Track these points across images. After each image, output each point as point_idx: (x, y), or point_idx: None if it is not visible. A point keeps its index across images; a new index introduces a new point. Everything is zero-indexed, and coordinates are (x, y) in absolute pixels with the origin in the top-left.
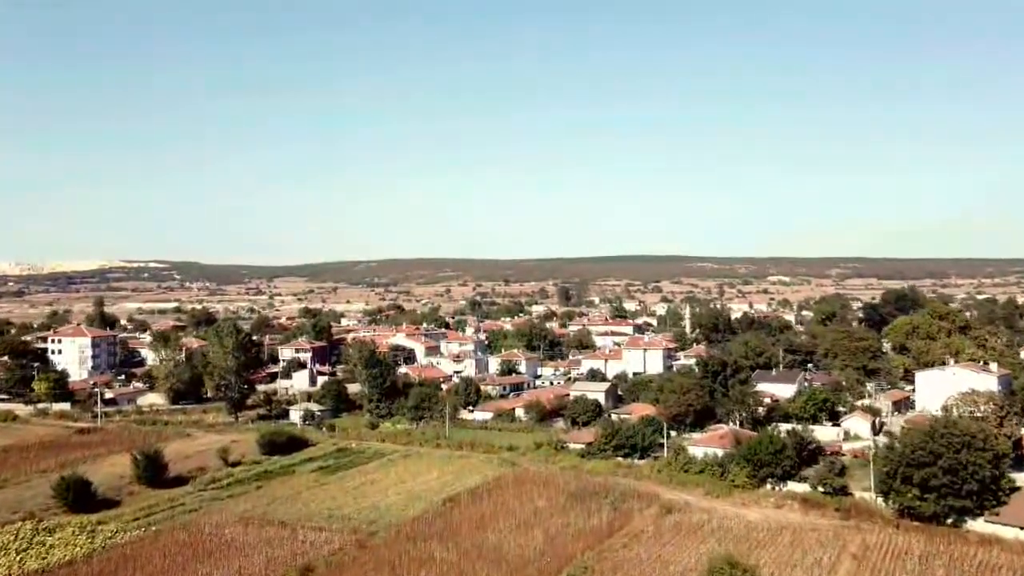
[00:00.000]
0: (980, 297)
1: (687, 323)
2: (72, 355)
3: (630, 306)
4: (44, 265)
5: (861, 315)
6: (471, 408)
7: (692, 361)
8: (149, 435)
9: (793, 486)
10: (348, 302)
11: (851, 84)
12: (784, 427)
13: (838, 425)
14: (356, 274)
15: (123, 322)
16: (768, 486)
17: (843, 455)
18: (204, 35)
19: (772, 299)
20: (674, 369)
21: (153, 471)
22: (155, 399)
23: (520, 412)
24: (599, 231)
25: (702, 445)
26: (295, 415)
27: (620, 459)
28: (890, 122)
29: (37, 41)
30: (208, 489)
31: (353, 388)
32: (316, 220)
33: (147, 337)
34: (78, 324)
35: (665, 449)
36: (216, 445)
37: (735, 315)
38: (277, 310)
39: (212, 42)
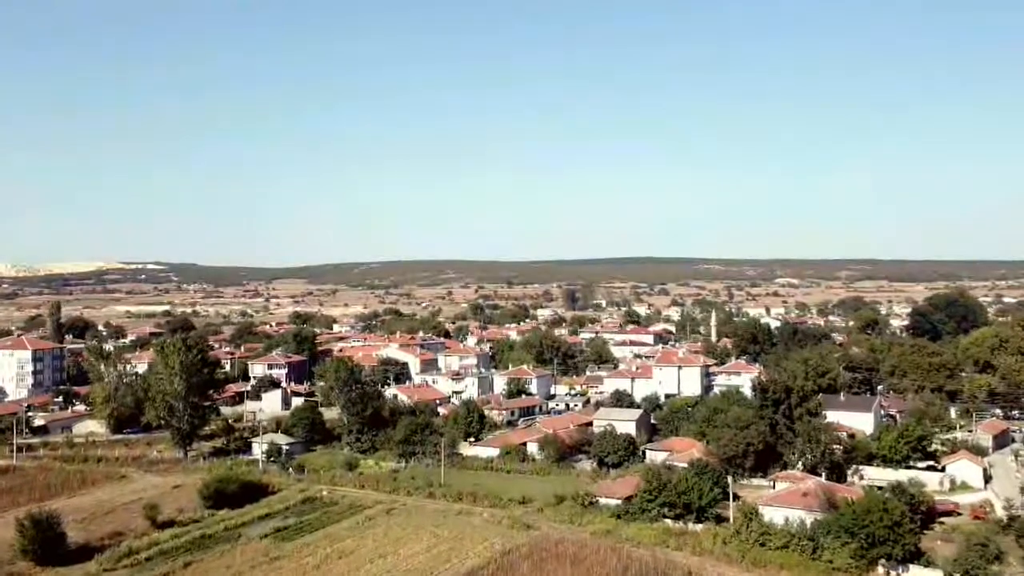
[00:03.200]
0: (1008, 301)
1: (712, 331)
2: (9, 371)
3: (640, 310)
4: (40, 267)
5: (907, 323)
6: (473, 440)
7: (735, 381)
8: (72, 477)
9: (920, 573)
10: (346, 305)
11: (859, 83)
12: (870, 472)
13: (939, 469)
14: (356, 276)
15: (100, 327)
16: (880, 569)
17: (958, 513)
18: (205, 33)
19: (785, 301)
20: (714, 391)
21: (45, 544)
22: (95, 427)
23: (533, 448)
24: (603, 232)
25: (780, 505)
26: (259, 449)
27: (670, 522)
28: (900, 122)
29: (33, 41)
30: (118, 568)
31: (332, 413)
32: (317, 221)
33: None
34: (19, 335)
35: (731, 509)
36: (152, 492)
37: (766, 320)
38: (271, 313)
39: (214, 41)
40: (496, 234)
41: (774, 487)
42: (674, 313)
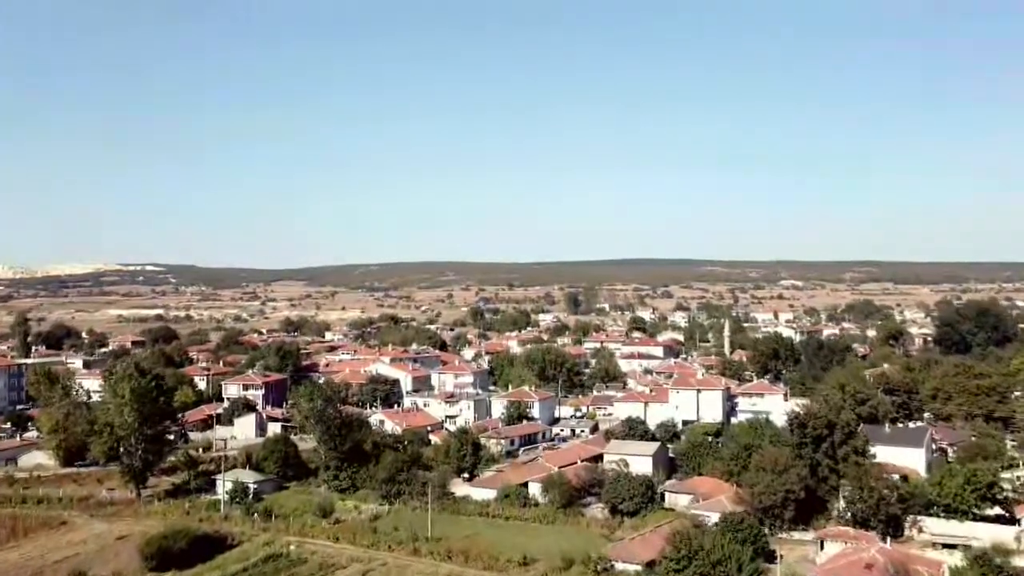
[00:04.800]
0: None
1: (726, 342)
2: None
3: (644, 314)
4: (38, 268)
5: (932, 333)
6: (467, 476)
7: (760, 405)
8: (3, 524)
9: None
10: (343, 309)
11: (861, 83)
12: (931, 525)
13: (1009, 519)
14: (356, 278)
15: (84, 334)
16: None
17: None
18: (202, 35)
19: (791, 305)
20: (737, 416)
21: None
22: (43, 459)
23: (535, 490)
24: (604, 234)
25: None
26: (223, 488)
27: None
28: (903, 122)
29: (32, 37)
30: None
31: (311, 442)
32: (317, 222)
33: (76, 361)
34: None
35: None
36: (92, 547)
37: (783, 331)
38: (266, 317)
39: (211, 43)
40: (497, 235)
41: (821, 547)
42: (680, 318)
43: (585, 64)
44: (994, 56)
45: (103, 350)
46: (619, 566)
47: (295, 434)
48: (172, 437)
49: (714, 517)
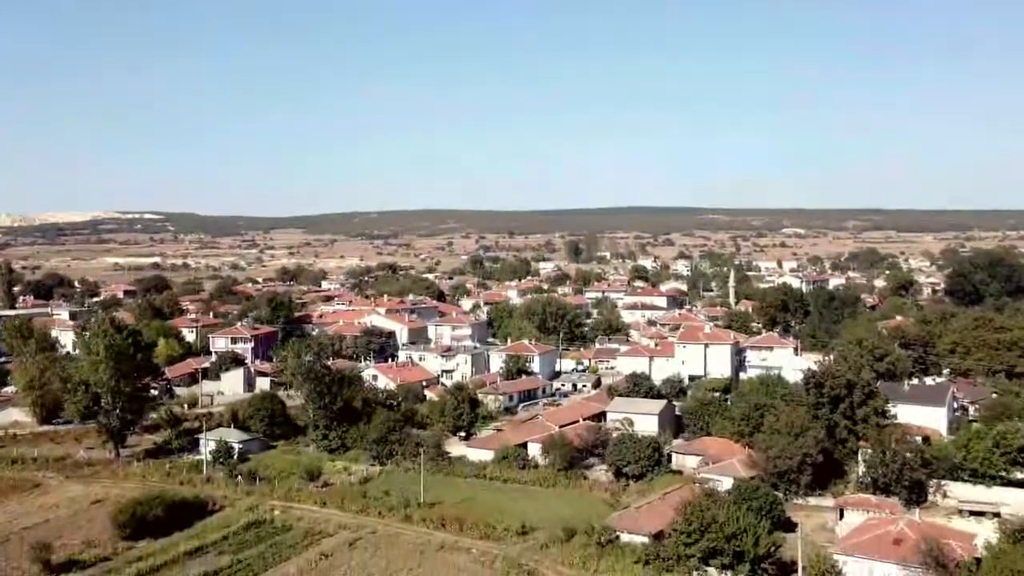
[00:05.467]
0: None
1: (730, 292)
2: None
3: (645, 263)
4: (36, 216)
5: (941, 285)
6: (464, 435)
7: (770, 360)
8: None
9: None
10: (342, 257)
11: (864, 23)
12: (956, 490)
13: None
14: (356, 226)
15: (76, 284)
16: None
17: None
18: None
19: (794, 254)
20: (747, 372)
21: None
22: (20, 416)
23: (535, 451)
24: (606, 181)
25: (863, 556)
26: (206, 448)
27: (715, 574)
28: (909, 63)
29: None
30: None
31: (299, 400)
32: (317, 170)
33: (62, 313)
34: None
35: (800, 562)
36: (64, 512)
37: (788, 281)
38: (264, 266)
39: None
40: (498, 183)
41: (841, 516)
42: (682, 267)
43: (584, 7)
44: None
45: (94, 300)
46: (624, 537)
47: (284, 390)
48: (157, 391)
49: (726, 482)
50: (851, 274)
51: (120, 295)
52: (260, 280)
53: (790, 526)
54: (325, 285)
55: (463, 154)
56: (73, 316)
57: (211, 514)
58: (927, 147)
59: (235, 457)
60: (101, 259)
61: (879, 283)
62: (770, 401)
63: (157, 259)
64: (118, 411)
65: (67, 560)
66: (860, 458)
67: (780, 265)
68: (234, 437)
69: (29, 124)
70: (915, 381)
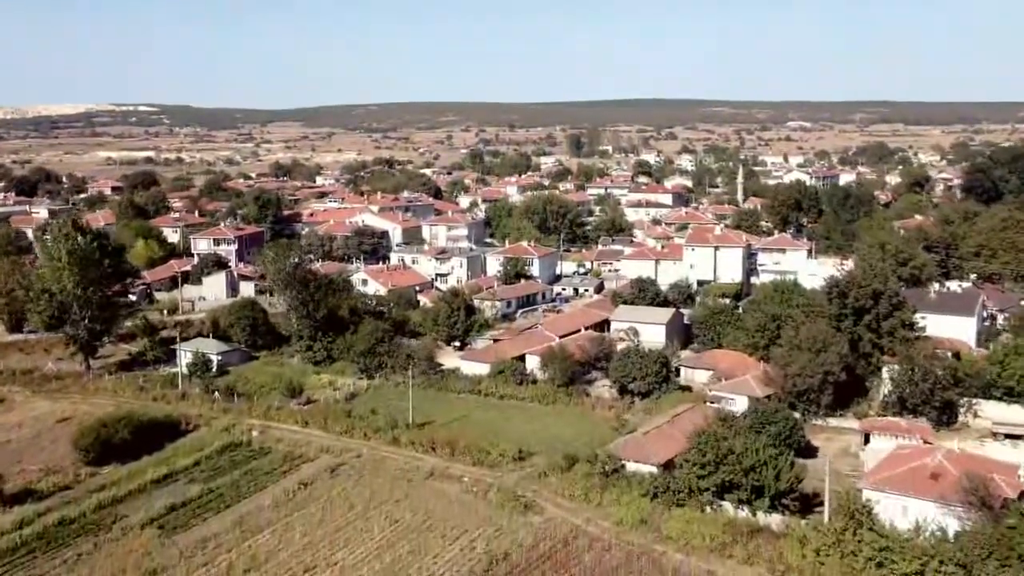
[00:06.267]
0: None
1: (739, 189)
2: None
3: (648, 157)
4: (28, 108)
5: (956, 181)
6: (459, 345)
7: (784, 264)
8: None
9: None
10: (339, 151)
11: None
12: (989, 410)
13: None
14: (355, 119)
15: (64, 179)
16: None
17: None
18: None
19: (800, 147)
20: (760, 277)
21: None
22: None
23: (534, 364)
24: (607, 73)
25: (896, 492)
26: (184, 359)
27: (730, 509)
28: None
29: None
30: None
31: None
32: (316, 61)
33: (41, 211)
34: None
35: (826, 498)
36: (27, 431)
37: (799, 177)
38: (259, 160)
39: None
40: (498, 75)
41: (866, 441)
42: (686, 161)
43: None
44: None
45: (80, 197)
46: (630, 466)
47: (268, 296)
48: (136, 297)
49: (739, 402)
50: (861, 169)
51: (108, 191)
52: (254, 176)
53: (810, 451)
54: (320, 181)
55: (463, 45)
56: (52, 215)
57: (184, 435)
58: (934, 37)
59: (213, 370)
60: (94, 153)
61: (890, 179)
62: (786, 311)
63: (151, 153)
64: (86, 321)
65: (23, 490)
66: (885, 375)
67: (786, 160)
68: (212, 348)
69: (22, 13)
70: (939, 287)
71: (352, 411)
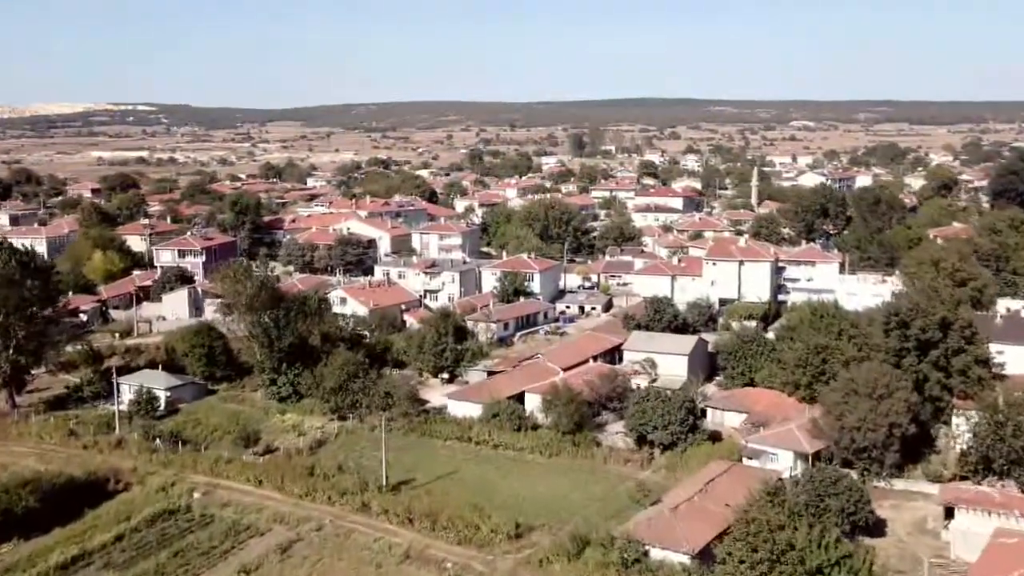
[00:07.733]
0: None
1: (753, 193)
2: None
3: (652, 157)
4: (26, 108)
5: (975, 183)
6: (448, 377)
7: (815, 280)
8: None
9: None
10: (336, 151)
11: None
12: None
13: None
14: (354, 118)
15: (44, 180)
16: None
17: None
18: None
19: (807, 147)
20: (790, 297)
21: None
22: None
23: (534, 405)
24: (608, 72)
25: None
26: (128, 394)
27: None
28: None
29: None
30: None
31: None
32: (315, 60)
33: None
34: None
35: None
36: None
37: (806, 179)
38: (255, 160)
39: None
40: (499, 74)
41: (947, 516)
42: (692, 162)
43: None
44: None
45: (57, 199)
46: (656, 553)
47: (224, 317)
48: (86, 317)
49: (783, 458)
50: (876, 170)
51: (87, 194)
52: (243, 177)
53: (878, 526)
54: (311, 183)
55: (465, 43)
56: (15, 221)
57: (112, 496)
58: (939, 36)
59: (160, 408)
60: (86, 153)
61: (910, 181)
62: (833, 342)
63: (144, 153)
64: (9, 352)
65: None
66: (961, 425)
67: (795, 160)
68: (160, 382)
69: (23, 11)
70: (1005, 311)
71: (316, 466)
